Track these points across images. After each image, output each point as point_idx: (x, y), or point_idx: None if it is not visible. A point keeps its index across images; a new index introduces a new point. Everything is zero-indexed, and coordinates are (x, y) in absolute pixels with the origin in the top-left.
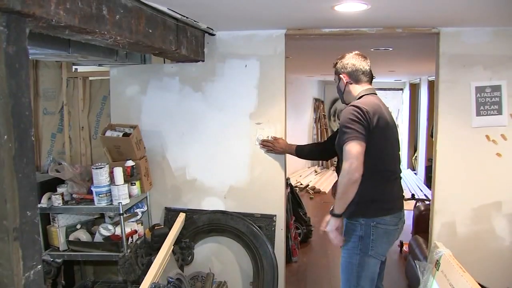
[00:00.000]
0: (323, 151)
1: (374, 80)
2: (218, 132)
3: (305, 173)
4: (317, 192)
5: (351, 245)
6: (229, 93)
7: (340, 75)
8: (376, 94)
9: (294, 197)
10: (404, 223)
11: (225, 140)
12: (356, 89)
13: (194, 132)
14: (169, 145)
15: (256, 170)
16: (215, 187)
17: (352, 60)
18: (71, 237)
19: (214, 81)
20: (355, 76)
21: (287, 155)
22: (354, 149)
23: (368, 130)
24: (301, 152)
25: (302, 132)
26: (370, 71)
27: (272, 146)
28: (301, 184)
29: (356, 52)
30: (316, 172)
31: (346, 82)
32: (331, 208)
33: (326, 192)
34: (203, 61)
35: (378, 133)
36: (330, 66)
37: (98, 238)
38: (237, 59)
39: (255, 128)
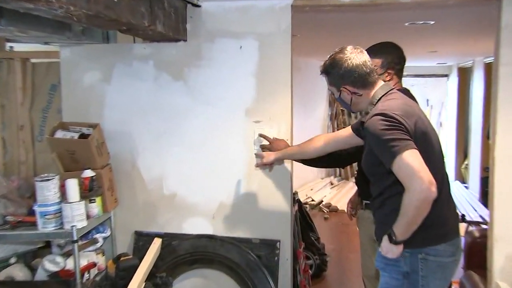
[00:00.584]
0: (339, 153)
1: (409, 64)
2: (205, 133)
3: (317, 186)
4: (333, 210)
5: (393, 285)
6: (219, 82)
7: (341, 89)
8: (395, 90)
9: (303, 217)
10: (462, 252)
11: (214, 143)
12: (368, 95)
13: (174, 132)
14: (141, 149)
15: (254, 182)
16: (201, 204)
17: (349, 63)
18: (1, 276)
19: (199, 66)
20: (361, 83)
21: (295, 162)
22: (413, 160)
23: (412, 139)
24: (311, 158)
25: (313, 132)
26: (370, 65)
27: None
28: (313, 201)
29: (343, 48)
30: (332, 184)
31: (352, 93)
32: (389, 232)
33: (346, 210)
34: (185, 40)
35: (420, 139)
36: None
37: (41, 276)
38: (230, 39)
39: (252, 128)
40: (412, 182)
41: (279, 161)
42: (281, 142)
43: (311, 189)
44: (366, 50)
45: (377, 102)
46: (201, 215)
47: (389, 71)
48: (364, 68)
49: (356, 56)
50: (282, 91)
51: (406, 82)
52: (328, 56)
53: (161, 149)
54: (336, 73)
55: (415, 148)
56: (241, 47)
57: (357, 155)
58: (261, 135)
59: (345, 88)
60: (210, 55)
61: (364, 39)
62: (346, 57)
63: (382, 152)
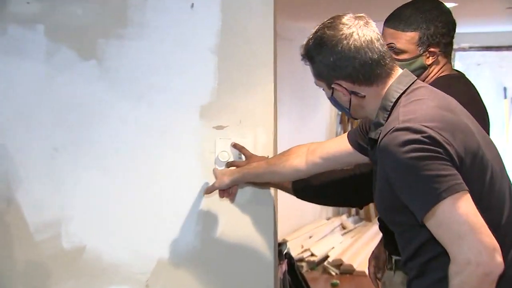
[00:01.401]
0: (356, 184)
1: (471, 30)
2: (133, 147)
3: (320, 231)
4: (346, 272)
5: None
6: (158, 64)
7: (333, 86)
8: (421, 83)
9: (296, 284)
10: None
11: (150, 162)
12: (377, 94)
13: (82, 146)
14: (24, 174)
15: (214, 225)
16: (127, 264)
17: (345, 45)
18: None
19: (124, 37)
20: (365, 76)
21: (280, 192)
22: (464, 212)
23: (457, 169)
24: (305, 187)
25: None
26: (381, 45)
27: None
28: (313, 255)
29: (337, 19)
30: (344, 228)
31: (351, 94)
32: None
33: (366, 272)
34: None
35: (471, 168)
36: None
37: None
38: None
39: (212, 138)
40: (463, 249)
41: (241, 184)
42: (256, 160)
43: (310, 237)
44: (388, 17)
45: (393, 105)
46: (127, 283)
47: (431, 49)
48: (370, 53)
49: (358, 33)
50: (261, 77)
51: (468, 59)
52: (313, 31)
53: (59, 174)
54: (324, 60)
55: (466, 190)
56: (192, 5)
57: None
58: (235, 146)
59: (339, 85)
60: (141, 18)
61: None
62: (341, 34)
63: (409, 195)
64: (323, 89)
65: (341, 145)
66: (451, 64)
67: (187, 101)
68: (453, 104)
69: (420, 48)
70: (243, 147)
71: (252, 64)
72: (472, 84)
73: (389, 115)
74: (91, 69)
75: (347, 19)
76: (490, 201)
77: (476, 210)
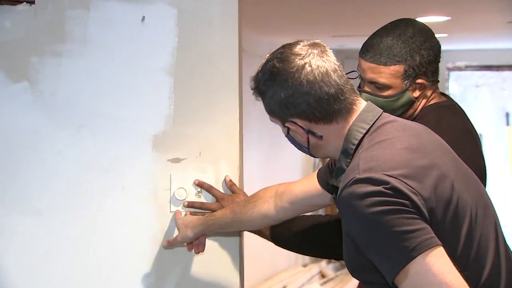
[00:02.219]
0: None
1: (470, 47)
2: (73, 185)
3: (295, 281)
4: None
5: None
6: (102, 86)
7: (287, 125)
8: (388, 117)
9: None
10: None
11: (93, 203)
12: (338, 133)
13: (10, 184)
14: None
15: (169, 276)
16: None
17: (297, 79)
18: None
19: (61, 55)
20: (321, 114)
21: (247, 233)
22: (438, 270)
23: (427, 221)
24: (284, 233)
25: (288, 177)
26: (339, 78)
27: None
28: None
29: (290, 47)
30: (323, 276)
31: (308, 133)
32: None
33: None
34: (33, 2)
35: (444, 216)
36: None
37: None
38: (122, 2)
39: (167, 173)
40: None
41: (202, 235)
42: (238, 198)
43: (284, 287)
44: (364, 47)
45: (356, 147)
46: None
47: (418, 80)
48: (326, 87)
49: (311, 64)
50: (224, 102)
51: (465, 81)
52: (263, 61)
53: None
54: (274, 96)
55: (439, 245)
56: (143, 18)
57: None
58: (201, 185)
59: (295, 123)
60: (83, 33)
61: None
62: (292, 67)
63: (375, 255)
64: (273, 121)
65: (310, 186)
66: (438, 89)
67: (137, 130)
68: (425, 139)
69: (406, 81)
70: (211, 187)
71: (214, 87)
72: (464, 113)
73: (352, 158)
74: (22, 92)
75: (299, 48)
76: (467, 257)
77: (453, 266)
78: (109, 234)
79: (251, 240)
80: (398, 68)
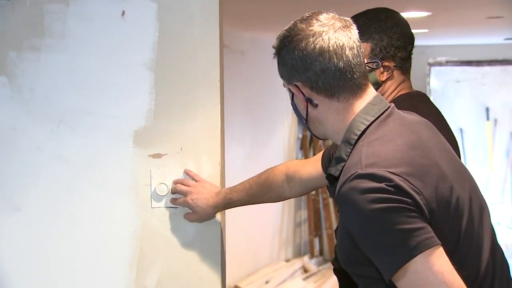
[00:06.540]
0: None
1: (450, 42)
2: (52, 182)
3: (278, 276)
4: None
5: None
6: (82, 82)
7: (289, 87)
8: (394, 112)
9: None
10: None
11: (72, 200)
12: (338, 113)
13: None
14: None
15: (149, 272)
16: None
17: (311, 43)
18: None
19: (40, 50)
20: (325, 85)
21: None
22: (438, 270)
23: (427, 220)
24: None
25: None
26: (357, 56)
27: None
28: None
29: (314, 15)
30: (306, 271)
31: (307, 101)
32: None
33: None
34: None
35: (445, 215)
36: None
37: None
38: None
39: (147, 168)
40: None
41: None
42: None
43: (267, 282)
44: None
45: (358, 138)
46: None
47: (385, 63)
48: (335, 59)
49: (329, 33)
50: (205, 97)
51: (446, 76)
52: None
53: None
54: (287, 55)
55: (439, 244)
56: (123, 12)
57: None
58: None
59: (297, 87)
60: (62, 27)
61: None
62: (310, 30)
63: (374, 251)
64: (284, 86)
65: (316, 169)
66: (410, 82)
67: (117, 126)
68: (424, 135)
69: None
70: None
71: (195, 82)
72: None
73: (352, 149)
74: (0, 87)
75: (325, 16)
76: (465, 256)
77: (452, 266)
78: (90, 230)
79: (233, 235)
80: (365, 46)
